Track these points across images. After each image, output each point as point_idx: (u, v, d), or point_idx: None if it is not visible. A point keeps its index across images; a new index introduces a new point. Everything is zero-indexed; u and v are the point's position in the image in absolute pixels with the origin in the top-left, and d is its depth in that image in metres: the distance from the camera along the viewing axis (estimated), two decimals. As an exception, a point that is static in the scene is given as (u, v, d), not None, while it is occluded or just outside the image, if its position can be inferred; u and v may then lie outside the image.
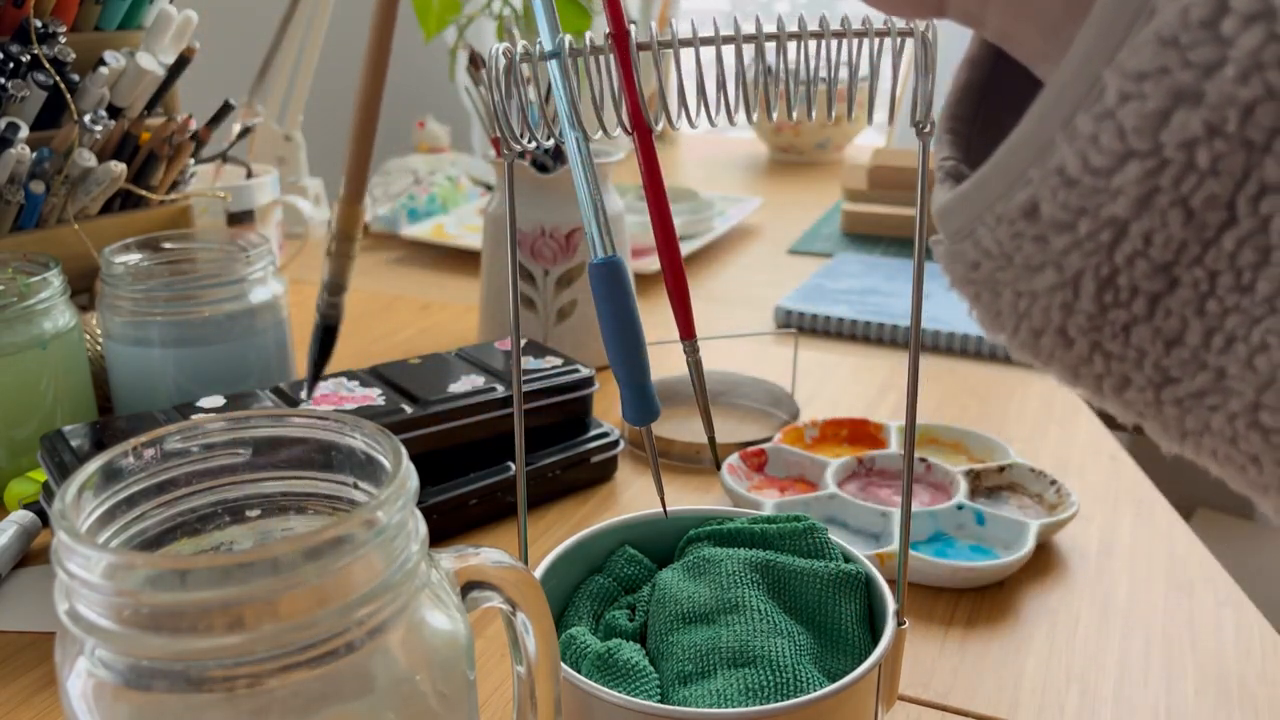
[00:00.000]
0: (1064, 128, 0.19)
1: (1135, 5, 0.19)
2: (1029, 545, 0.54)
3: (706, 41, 0.34)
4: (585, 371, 0.65)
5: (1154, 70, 0.18)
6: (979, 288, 0.22)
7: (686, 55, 0.34)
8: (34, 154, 0.69)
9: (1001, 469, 0.62)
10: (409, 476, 0.26)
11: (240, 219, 0.98)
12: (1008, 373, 0.81)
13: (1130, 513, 0.61)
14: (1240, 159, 0.18)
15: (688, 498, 0.63)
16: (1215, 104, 0.18)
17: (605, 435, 0.65)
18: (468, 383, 0.61)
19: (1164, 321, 0.20)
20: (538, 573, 0.40)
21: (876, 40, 0.34)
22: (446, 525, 0.58)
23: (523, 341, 0.69)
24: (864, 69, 0.34)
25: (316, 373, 0.27)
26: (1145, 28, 0.18)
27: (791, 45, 0.34)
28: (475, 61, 0.77)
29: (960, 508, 0.57)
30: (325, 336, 0.28)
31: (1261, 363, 0.19)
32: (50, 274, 0.63)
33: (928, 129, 0.33)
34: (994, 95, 0.26)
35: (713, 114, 0.35)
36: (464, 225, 1.17)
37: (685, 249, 1.08)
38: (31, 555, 0.56)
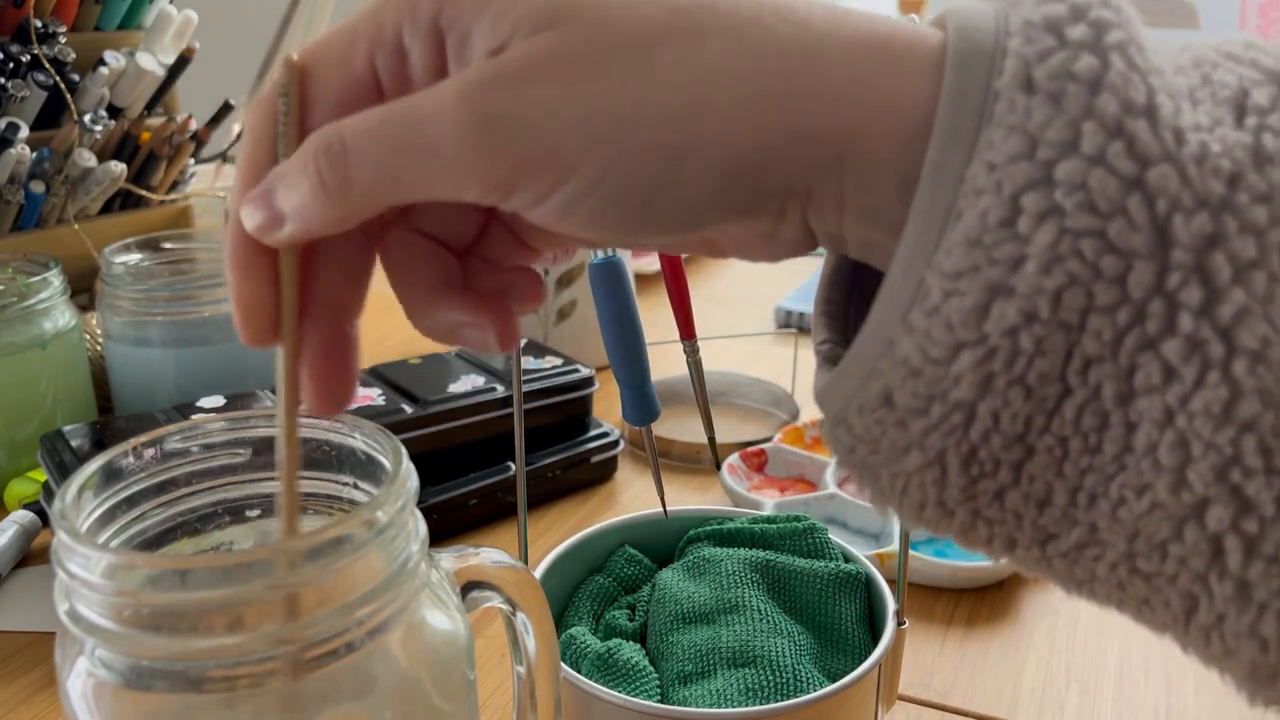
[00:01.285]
0: (902, 323, 0.21)
1: (944, 208, 0.20)
2: (1029, 545, 0.54)
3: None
4: (585, 371, 0.65)
5: (967, 269, 0.20)
6: (858, 469, 0.23)
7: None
8: (34, 154, 0.69)
9: (1001, 469, 0.62)
10: (409, 476, 0.26)
11: (240, 219, 0.98)
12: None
13: (1130, 513, 0.61)
14: (1060, 338, 0.19)
15: (688, 498, 0.63)
16: (1026, 294, 0.19)
17: (605, 435, 0.65)
18: (468, 383, 0.61)
19: (1030, 486, 0.21)
20: (538, 573, 0.40)
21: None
22: (446, 525, 0.58)
23: (523, 341, 0.69)
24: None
25: None
26: (955, 230, 0.20)
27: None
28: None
29: (960, 508, 0.57)
30: None
31: (1124, 515, 0.20)
32: (50, 274, 0.63)
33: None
34: (863, 275, 0.26)
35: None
36: (464, 225, 1.16)
37: (685, 249, 1.08)
38: (31, 555, 0.56)
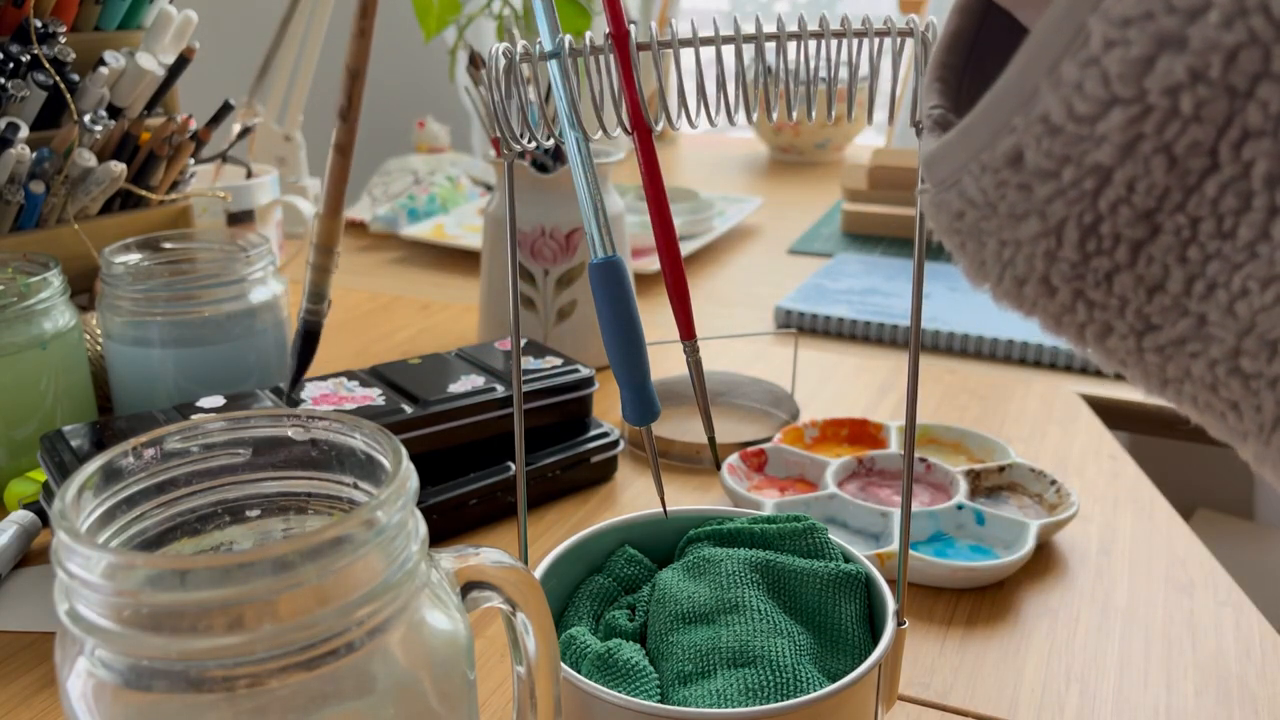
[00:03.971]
0: (1049, 75, 0.20)
1: None
2: (1029, 545, 0.54)
3: (706, 41, 0.34)
4: (585, 371, 0.65)
5: (1139, 16, 0.18)
6: (964, 237, 0.23)
7: (686, 55, 0.34)
8: (34, 154, 0.69)
9: (1001, 469, 0.62)
10: (409, 476, 0.26)
11: (240, 219, 0.98)
12: (1008, 373, 0.81)
13: (1130, 513, 0.61)
14: (1223, 105, 0.18)
15: (688, 498, 0.63)
16: (1199, 49, 0.18)
17: (605, 435, 0.65)
18: (468, 383, 0.61)
19: (1146, 269, 0.20)
20: (538, 573, 0.40)
21: (876, 40, 0.34)
22: (446, 525, 0.58)
23: (523, 341, 0.69)
24: (864, 69, 0.34)
25: (298, 374, 0.28)
26: None
27: (791, 45, 0.34)
28: (475, 61, 0.77)
29: (960, 508, 0.57)
30: (306, 342, 0.28)
31: (1242, 308, 0.19)
32: (50, 274, 0.63)
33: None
34: (983, 44, 0.26)
35: (713, 114, 0.35)
36: (464, 225, 1.17)
37: (685, 249, 1.08)
38: (31, 555, 0.56)
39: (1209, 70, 0.18)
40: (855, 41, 0.34)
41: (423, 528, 0.27)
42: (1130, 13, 0.18)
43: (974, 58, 0.26)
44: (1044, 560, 0.57)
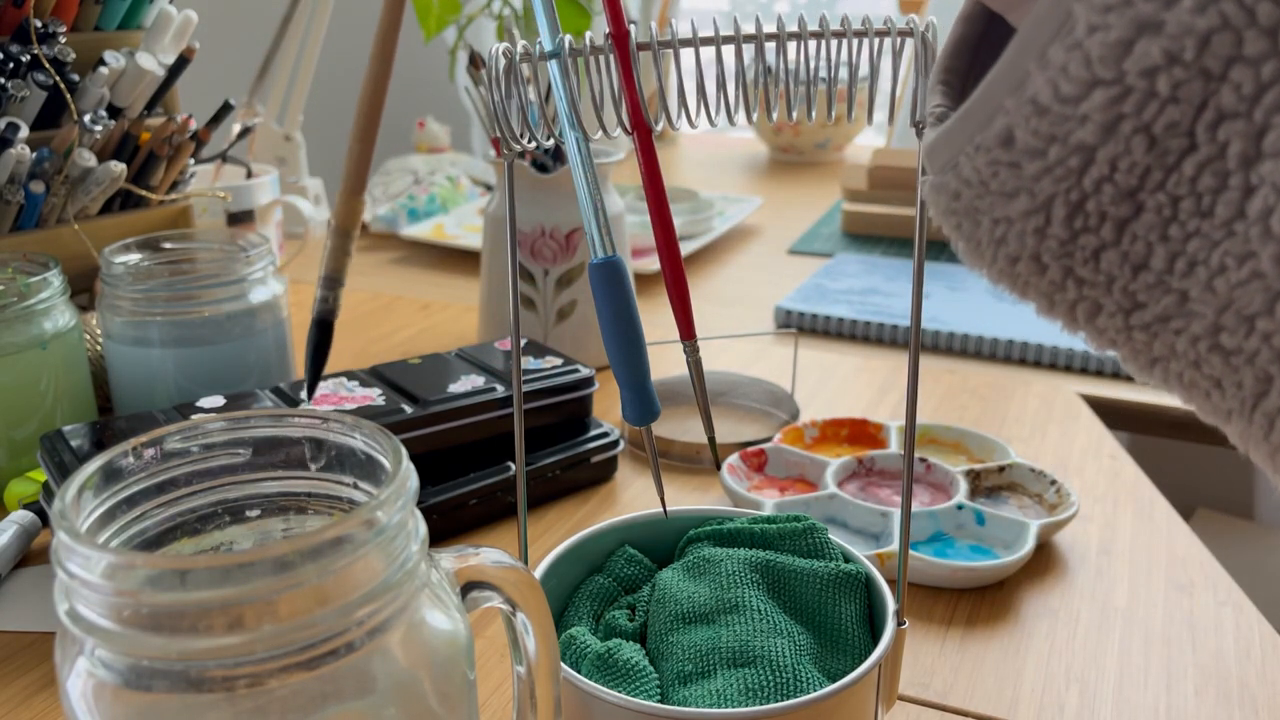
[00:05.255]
0: (1038, 59, 0.21)
1: None
2: (1029, 545, 0.54)
3: (706, 41, 0.34)
4: (585, 371, 0.65)
5: (1119, 2, 0.19)
6: (960, 217, 0.24)
7: (686, 55, 0.34)
8: (34, 154, 0.69)
9: (1001, 469, 0.62)
10: (409, 476, 0.26)
11: (240, 219, 0.98)
12: (1008, 373, 0.81)
13: (1130, 513, 0.61)
14: (1198, 86, 0.19)
15: (688, 498, 0.63)
16: (1174, 33, 0.19)
17: (605, 435, 0.65)
18: (468, 383, 0.61)
19: (1130, 246, 0.21)
20: (538, 573, 0.40)
21: (876, 40, 0.34)
22: (446, 525, 0.58)
23: (523, 341, 0.69)
24: (864, 69, 0.34)
25: (316, 372, 0.27)
26: None
27: (791, 45, 0.34)
28: (475, 61, 0.77)
29: (960, 508, 0.57)
30: (321, 332, 0.28)
31: (1220, 285, 0.20)
32: (50, 274, 0.63)
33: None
34: (986, 51, 0.27)
35: (713, 114, 0.35)
36: (464, 225, 1.17)
37: (685, 249, 1.08)
38: (31, 555, 0.56)
39: (1184, 53, 0.19)
40: (855, 41, 0.34)
41: (423, 528, 0.27)
42: (1111, 0, 0.19)
43: (978, 62, 0.27)
44: (1044, 560, 0.57)
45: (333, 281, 0.27)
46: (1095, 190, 0.21)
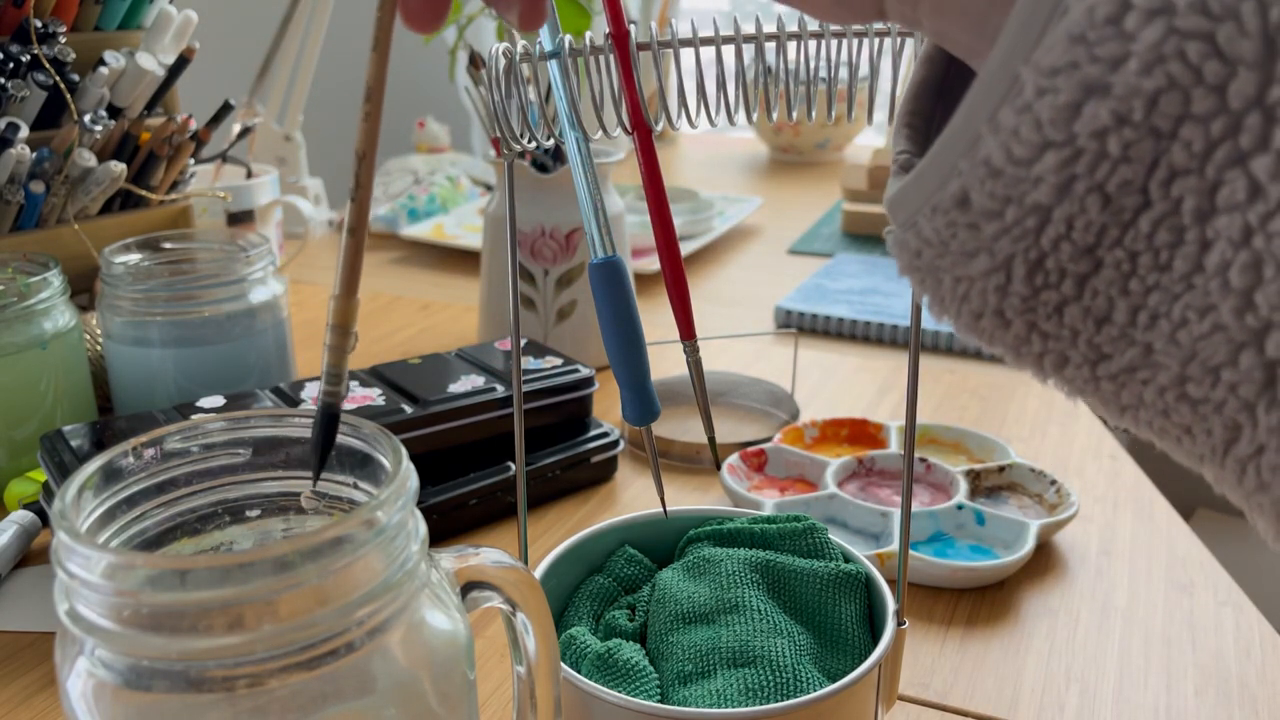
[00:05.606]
0: (989, 121, 0.21)
1: (1050, 5, 0.20)
2: (1029, 545, 0.54)
3: (706, 41, 0.34)
4: (585, 371, 0.65)
5: (1065, 65, 0.19)
6: (923, 274, 0.24)
7: (686, 55, 0.34)
8: (34, 154, 0.69)
9: (1001, 469, 0.62)
10: (409, 476, 0.26)
11: (240, 219, 0.98)
12: (1008, 373, 0.81)
13: (1130, 513, 0.61)
14: (1149, 145, 0.19)
15: (688, 498, 0.63)
16: (1122, 95, 0.19)
17: (605, 435, 0.65)
18: (468, 383, 0.61)
19: (1092, 301, 0.21)
20: (538, 573, 0.40)
21: (876, 40, 0.34)
22: (446, 525, 0.58)
23: (523, 341, 0.69)
24: (864, 69, 0.34)
25: (322, 461, 0.28)
26: (1058, 26, 0.20)
27: (791, 45, 0.34)
28: (475, 61, 0.77)
29: (960, 508, 0.57)
30: (327, 427, 0.28)
31: (1183, 337, 0.20)
32: (50, 274, 0.63)
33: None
34: (949, 92, 0.27)
35: (713, 114, 0.35)
36: (464, 225, 1.17)
37: (685, 249, 1.08)
38: (31, 555, 0.56)
39: (1132, 114, 0.19)
40: (855, 41, 0.34)
41: (423, 528, 0.27)
42: (1058, 63, 0.19)
43: (942, 104, 0.27)
44: (1044, 560, 0.57)
45: (335, 378, 0.28)
46: (1054, 248, 0.21)
